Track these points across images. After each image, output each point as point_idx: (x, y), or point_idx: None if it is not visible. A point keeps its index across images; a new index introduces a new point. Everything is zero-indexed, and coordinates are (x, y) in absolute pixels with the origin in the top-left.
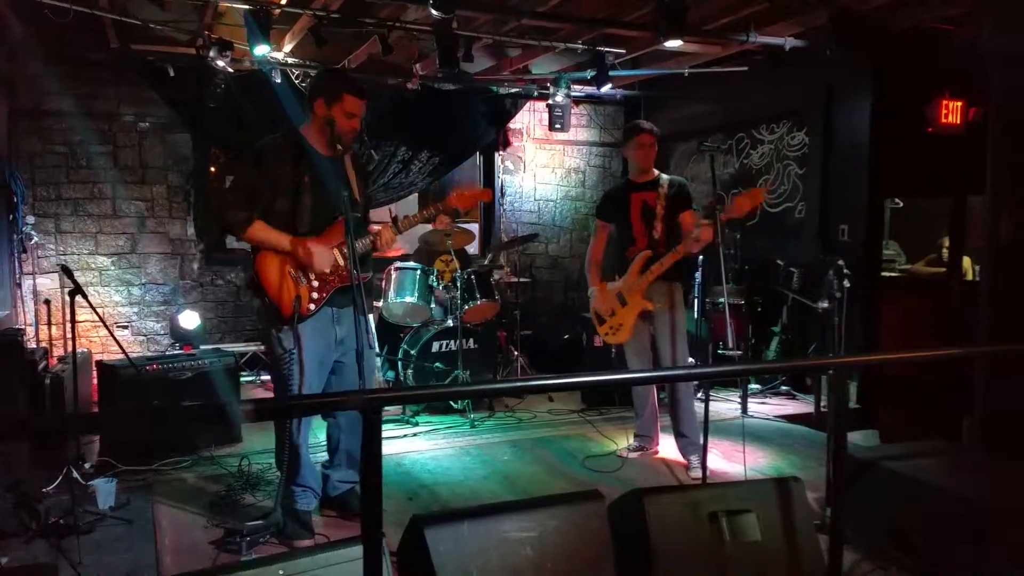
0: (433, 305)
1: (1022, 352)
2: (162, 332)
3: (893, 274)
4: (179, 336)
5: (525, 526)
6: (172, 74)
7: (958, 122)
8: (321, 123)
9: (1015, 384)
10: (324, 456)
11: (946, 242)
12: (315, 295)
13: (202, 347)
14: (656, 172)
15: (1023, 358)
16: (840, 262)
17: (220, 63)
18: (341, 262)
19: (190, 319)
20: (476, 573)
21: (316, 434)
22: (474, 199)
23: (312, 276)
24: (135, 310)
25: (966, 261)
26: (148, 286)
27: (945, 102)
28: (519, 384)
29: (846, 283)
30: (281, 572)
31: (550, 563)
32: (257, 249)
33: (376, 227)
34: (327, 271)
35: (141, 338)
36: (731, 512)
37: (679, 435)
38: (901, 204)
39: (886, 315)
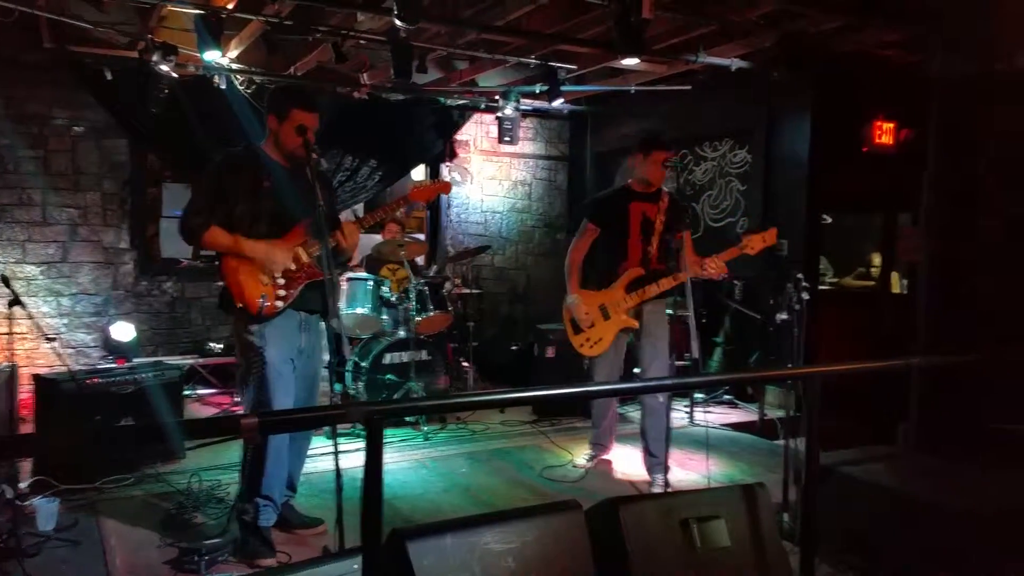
0: (384, 316)
1: (964, 362)
2: (93, 344)
3: (824, 287)
4: (112, 348)
5: (506, 537)
6: (109, 77)
7: (891, 143)
8: (275, 138)
9: (948, 391)
10: None
11: (875, 257)
12: (282, 292)
13: (137, 360)
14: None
15: (960, 367)
16: (799, 275)
17: (164, 68)
18: (305, 258)
19: (124, 331)
20: None
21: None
22: (435, 192)
23: (278, 274)
24: (64, 321)
25: (894, 275)
26: (79, 296)
27: (879, 124)
28: (508, 396)
29: (805, 296)
30: None
31: (533, 574)
32: (221, 256)
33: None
34: (292, 266)
35: (70, 350)
36: (701, 519)
37: (649, 454)
38: (830, 220)
39: (821, 326)
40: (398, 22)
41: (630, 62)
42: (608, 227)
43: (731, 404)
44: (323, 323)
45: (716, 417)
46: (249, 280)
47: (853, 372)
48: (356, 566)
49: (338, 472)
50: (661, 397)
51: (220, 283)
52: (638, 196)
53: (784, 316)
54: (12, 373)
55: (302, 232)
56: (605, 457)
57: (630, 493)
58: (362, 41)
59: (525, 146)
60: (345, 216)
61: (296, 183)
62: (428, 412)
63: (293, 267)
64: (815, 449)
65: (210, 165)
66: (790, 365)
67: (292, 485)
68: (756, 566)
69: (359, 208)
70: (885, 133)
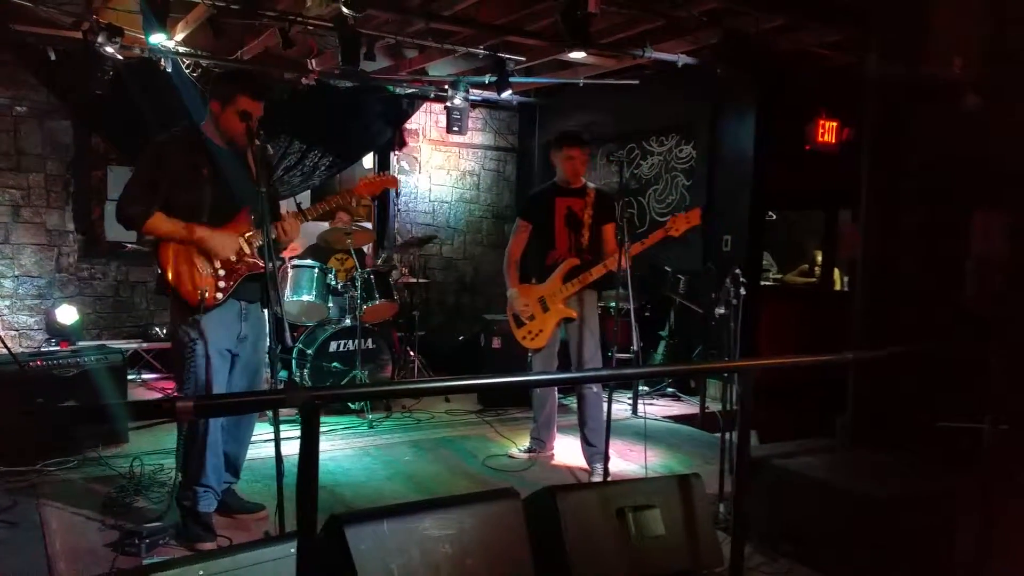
0: (330, 304)
1: (899, 356)
2: (36, 327)
3: (767, 283)
4: (55, 331)
5: (444, 523)
6: (53, 58)
7: (833, 141)
8: (215, 122)
9: (883, 385)
10: None
11: (818, 255)
12: (222, 284)
13: (81, 343)
14: (583, 180)
15: (895, 362)
16: (737, 271)
17: (108, 49)
18: (247, 250)
19: (67, 314)
20: (397, 571)
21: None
22: (381, 185)
23: (218, 265)
24: (6, 303)
25: (836, 272)
26: (21, 279)
27: (822, 122)
28: (448, 384)
29: (742, 291)
30: (201, 572)
31: (470, 559)
32: (158, 242)
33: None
34: (232, 258)
35: (12, 333)
36: (637, 507)
37: (587, 443)
38: (774, 217)
39: (763, 322)
40: (345, 9)
41: (577, 55)
42: (536, 222)
43: (675, 397)
44: (265, 311)
45: (659, 409)
46: (188, 270)
47: (785, 366)
48: (292, 550)
49: (279, 458)
50: (596, 387)
51: (158, 269)
52: (563, 192)
53: (722, 310)
54: None
55: (245, 220)
56: (547, 453)
57: (570, 482)
58: (310, 27)
59: (474, 136)
60: (287, 206)
61: (238, 168)
62: (366, 399)
63: (234, 259)
64: (746, 440)
65: (148, 148)
66: (727, 359)
67: (235, 470)
68: (689, 554)
69: (304, 199)
70: (827, 132)
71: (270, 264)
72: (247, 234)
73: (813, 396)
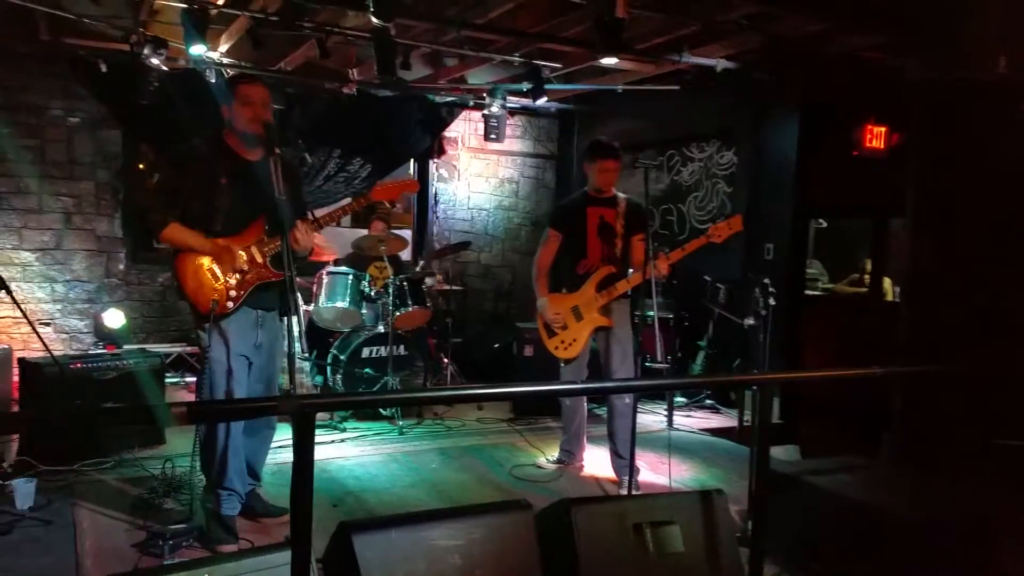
0: (364, 311)
1: (936, 372)
2: (86, 330)
3: (816, 293)
4: (103, 335)
5: (453, 534)
6: (104, 70)
7: (882, 147)
8: (231, 126)
9: (930, 402)
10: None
11: (868, 263)
12: (233, 293)
13: (127, 347)
14: (613, 190)
15: (938, 377)
16: (766, 280)
17: (154, 61)
18: (259, 259)
19: (115, 318)
20: None
21: None
22: (399, 190)
23: (230, 275)
24: (58, 307)
25: (886, 282)
26: (72, 283)
27: (870, 127)
28: (447, 393)
29: (771, 301)
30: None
31: (478, 570)
32: (177, 251)
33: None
34: (244, 268)
35: (64, 336)
36: (655, 523)
37: (617, 456)
38: (825, 224)
39: (808, 333)
40: (373, 19)
41: (609, 61)
42: (568, 232)
43: (713, 409)
44: (285, 318)
45: (696, 422)
46: (202, 279)
47: (808, 380)
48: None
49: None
50: (627, 398)
51: (175, 277)
52: (594, 201)
53: (751, 321)
54: (7, 356)
55: (259, 229)
56: (576, 465)
57: (597, 494)
58: (350, 38)
59: (513, 144)
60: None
61: (258, 176)
62: (364, 407)
63: (246, 268)
64: (765, 455)
65: (171, 154)
66: (755, 371)
67: (255, 474)
68: (710, 573)
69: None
70: (876, 137)
71: (288, 273)
72: (259, 243)
73: (862, 411)
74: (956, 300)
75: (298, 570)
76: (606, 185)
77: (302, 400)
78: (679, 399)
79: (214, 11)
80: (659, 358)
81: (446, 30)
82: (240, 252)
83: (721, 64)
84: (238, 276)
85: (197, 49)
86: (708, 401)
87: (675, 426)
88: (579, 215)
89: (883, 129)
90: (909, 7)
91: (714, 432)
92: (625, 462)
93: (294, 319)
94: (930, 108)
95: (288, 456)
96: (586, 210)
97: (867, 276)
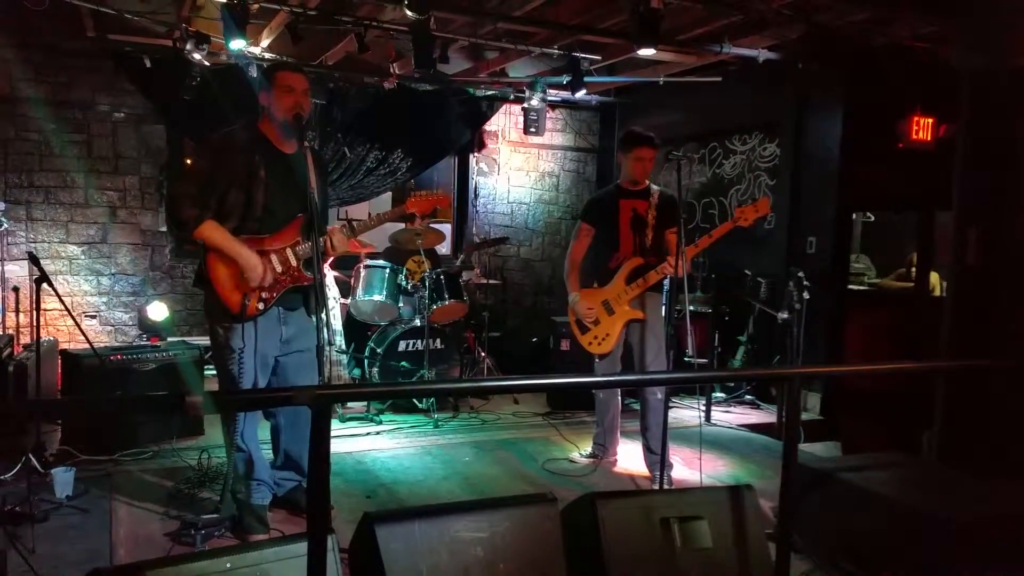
0: (401, 304)
1: (979, 368)
2: (130, 323)
3: (861, 287)
4: (147, 327)
5: (476, 526)
6: (148, 65)
7: (928, 139)
8: (268, 114)
9: (973, 399)
10: (270, 454)
11: (914, 257)
12: (265, 295)
13: (170, 339)
14: (647, 182)
15: (981, 374)
16: (800, 274)
17: (196, 56)
18: (294, 262)
19: (158, 311)
20: (426, 572)
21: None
22: (432, 204)
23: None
24: (104, 300)
25: (934, 277)
26: (118, 276)
27: (916, 118)
28: (465, 385)
29: (806, 295)
30: (228, 565)
31: (501, 564)
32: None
33: (331, 228)
34: (279, 271)
35: (109, 328)
36: (683, 518)
37: (650, 451)
38: (872, 218)
39: (853, 328)
40: (409, 12)
41: (647, 52)
42: (600, 225)
43: (753, 405)
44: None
45: (735, 417)
46: (234, 279)
47: (839, 374)
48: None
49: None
50: (660, 393)
51: (200, 265)
52: (627, 193)
53: (785, 315)
54: (52, 348)
55: (296, 230)
56: (610, 459)
57: (629, 489)
58: (391, 31)
59: (554, 137)
60: (359, 212)
61: (294, 170)
62: (379, 398)
63: (280, 270)
64: (793, 450)
65: (203, 145)
66: (789, 366)
67: (299, 468)
68: (738, 569)
69: (384, 200)
70: (923, 129)
71: (317, 276)
72: (295, 244)
73: (907, 407)
74: (1003, 295)
75: (315, 558)
76: (641, 175)
77: (316, 391)
78: (718, 394)
79: (254, 6)
80: (690, 352)
81: (485, 23)
82: (286, 250)
83: (763, 55)
84: (271, 279)
85: (237, 44)
86: (748, 397)
87: (713, 421)
88: (611, 208)
89: (930, 120)
90: None
91: (753, 428)
92: (657, 457)
93: (322, 314)
94: (979, 98)
95: (338, 447)
96: (618, 202)
97: (913, 270)
